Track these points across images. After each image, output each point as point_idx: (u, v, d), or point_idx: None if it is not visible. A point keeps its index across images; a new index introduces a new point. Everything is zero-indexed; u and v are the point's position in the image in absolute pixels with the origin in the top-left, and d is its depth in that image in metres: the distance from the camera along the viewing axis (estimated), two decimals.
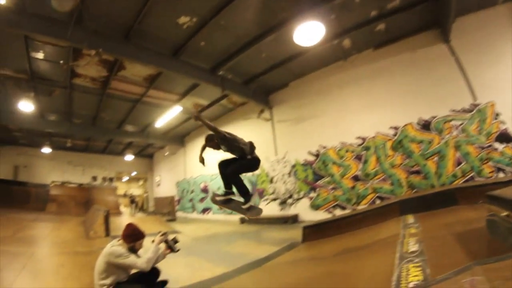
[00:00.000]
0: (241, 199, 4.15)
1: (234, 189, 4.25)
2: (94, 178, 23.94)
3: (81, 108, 14.52)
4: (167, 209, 21.17)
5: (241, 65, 10.52)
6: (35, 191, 20.17)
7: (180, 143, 20.69)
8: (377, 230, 4.64)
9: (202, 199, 17.60)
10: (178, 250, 3.91)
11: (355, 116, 9.93)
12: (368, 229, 4.91)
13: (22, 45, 8.67)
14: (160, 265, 5.07)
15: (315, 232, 5.69)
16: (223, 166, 4.34)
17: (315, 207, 10.66)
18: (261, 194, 13.00)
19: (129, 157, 22.89)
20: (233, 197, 4.32)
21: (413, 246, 3.27)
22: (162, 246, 3.79)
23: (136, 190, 34.31)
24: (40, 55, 9.34)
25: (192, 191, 18.83)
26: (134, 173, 29.88)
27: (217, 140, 4.31)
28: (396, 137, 8.93)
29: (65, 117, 15.68)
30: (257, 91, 12.35)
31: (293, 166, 11.55)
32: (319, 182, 10.58)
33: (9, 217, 12.69)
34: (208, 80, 10.63)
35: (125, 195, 24.02)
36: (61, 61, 9.52)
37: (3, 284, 3.95)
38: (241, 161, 4.24)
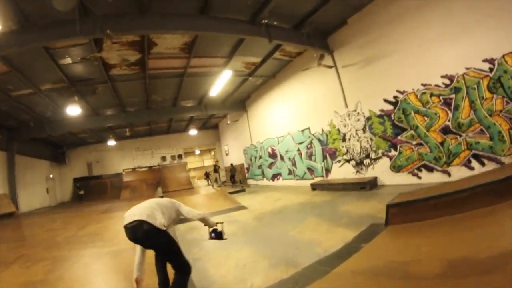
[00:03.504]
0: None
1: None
2: (163, 158, 25.61)
3: (129, 97, 14.99)
4: (238, 177, 21.32)
5: (284, 6, 8.95)
6: (110, 181, 23.69)
7: (242, 108, 20.21)
8: (496, 220, 3.27)
9: (270, 165, 17.09)
10: (225, 239, 3.79)
11: (438, 49, 7.67)
12: (479, 216, 3.49)
13: (47, 58, 9.09)
14: (206, 260, 4.78)
15: (403, 213, 4.45)
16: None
17: (396, 168, 9.08)
18: (333, 155, 11.76)
19: (193, 132, 23.27)
20: None
21: None
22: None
23: (210, 162, 35.47)
24: (67, 60, 9.66)
25: (260, 157, 18.47)
26: (202, 147, 30.69)
27: None
28: (493, 73, 6.60)
29: (118, 109, 16.54)
30: (312, 35, 10.63)
31: (368, 119, 9.93)
32: (400, 137, 8.84)
33: (83, 212, 14.32)
34: (251, 32, 9.38)
35: (214, 166, 24.78)
36: (88, 56, 9.61)
37: None
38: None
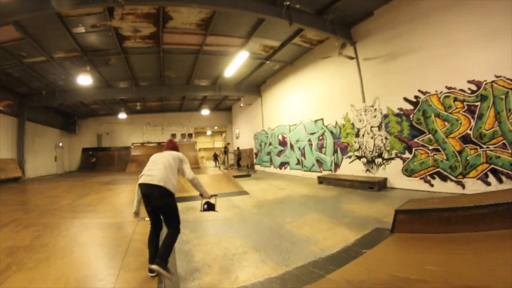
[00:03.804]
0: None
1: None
2: (173, 136, 25.58)
3: (143, 71, 14.86)
4: (245, 162, 21.14)
5: None
6: (118, 154, 24.08)
7: (256, 92, 19.82)
8: None
9: (279, 153, 16.78)
10: (217, 211, 4.08)
11: (467, 51, 7.11)
12: (499, 238, 3.10)
13: (60, 26, 9.07)
14: (195, 245, 4.65)
15: (412, 221, 4.11)
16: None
17: (408, 172, 8.64)
18: (344, 150, 11.37)
19: (205, 112, 23.04)
20: None
21: None
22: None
23: (221, 144, 35.48)
24: (81, 29, 9.59)
25: (270, 144, 18.18)
26: (215, 127, 30.58)
27: None
28: None
29: (131, 82, 16.45)
30: (335, 23, 10.15)
31: (385, 117, 9.45)
32: (417, 140, 8.37)
33: (86, 182, 14.48)
34: (271, 12, 8.96)
35: (225, 148, 24.76)
36: (99, 24, 9.40)
37: None
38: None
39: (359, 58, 10.57)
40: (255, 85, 19.46)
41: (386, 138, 9.41)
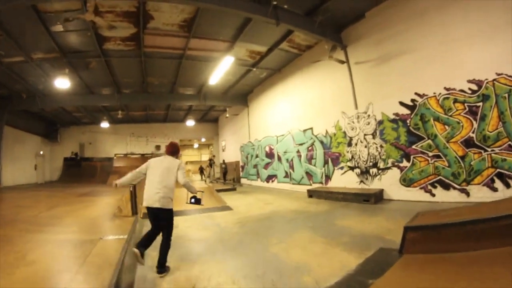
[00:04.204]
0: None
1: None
2: (158, 147, 24.95)
3: (125, 76, 14.26)
4: (231, 175, 20.32)
5: None
6: (100, 164, 23.14)
7: (243, 102, 19.14)
8: None
9: (266, 165, 15.97)
10: (202, 205, 4.51)
11: (466, 49, 6.65)
12: None
13: (37, 22, 8.58)
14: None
15: (425, 239, 3.30)
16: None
17: (407, 181, 7.94)
18: (336, 161, 10.62)
19: (190, 123, 22.37)
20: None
21: None
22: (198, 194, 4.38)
23: (207, 157, 34.71)
24: (59, 28, 9.11)
25: (256, 156, 17.39)
26: (202, 139, 29.89)
27: None
28: None
29: (113, 89, 15.83)
30: (325, 25, 9.58)
31: (379, 123, 8.79)
32: (415, 147, 7.73)
33: (62, 192, 13.61)
34: (256, 11, 8.34)
35: (210, 160, 23.96)
36: (71, 18, 8.61)
37: None
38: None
39: (350, 62, 9.99)
40: (242, 95, 18.77)
41: (381, 146, 8.73)
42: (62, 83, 12.16)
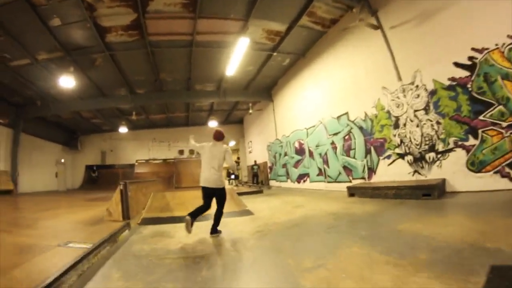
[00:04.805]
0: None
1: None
2: (181, 152, 24.49)
3: (134, 73, 13.70)
4: (260, 178, 18.80)
5: None
6: (122, 171, 23.01)
7: (267, 97, 17.67)
8: None
9: (297, 163, 14.26)
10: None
11: None
12: None
13: (36, 19, 8.45)
14: None
15: None
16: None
17: (476, 165, 6.02)
18: (381, 149, 8.75)
19: (213, 124, 21.10)
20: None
21: None
22: None
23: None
24: (56, 22, 8.81)
25: (285, 154, 15.71)
26: (231, 143, 28.81)
27: None
28: None
29: (126, 90, 15.24)
30: None
31: (432, 94, 6.90)
32: (483, 117, 5.84)
33: (73, 197, 14.09)
34: None
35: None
36: None
37: None
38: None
39: (385, 27, 8.23)
40: (265, 89, 17.31)
41: (438, 123, 6.83)
42: (67, 81, 11.57)
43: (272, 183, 17.62)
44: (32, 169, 17.64)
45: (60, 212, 8.22)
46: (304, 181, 13.50)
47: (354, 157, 9.95)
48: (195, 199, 5.65)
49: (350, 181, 10.00)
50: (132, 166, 23.57)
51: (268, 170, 18.43)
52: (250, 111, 18.93)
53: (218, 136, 5.00)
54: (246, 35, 10.05)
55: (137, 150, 24.60)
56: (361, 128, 9.52)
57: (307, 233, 4.63)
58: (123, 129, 21.22)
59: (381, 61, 8.37)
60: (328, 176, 11.56)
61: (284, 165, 15.79)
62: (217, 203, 4.84)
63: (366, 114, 9.25)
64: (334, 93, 11.08)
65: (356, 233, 4.10)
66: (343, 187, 9.31)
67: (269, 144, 18.13)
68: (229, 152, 4.95)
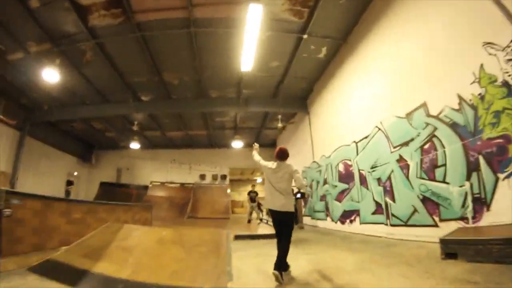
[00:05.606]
0: None
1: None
2: (202, 177, 22.30)
3: (133, 73, 11.89)
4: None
5: None
6: (136, 192, 21.38)
7: (301, 107, 14.09)
8: None
9: (341, 194, 10.04)
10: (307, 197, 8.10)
11: None
12: None
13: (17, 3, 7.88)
14: None
15: None
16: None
17: None
18: (499, 159, 4.36)
19: (237, 144, 18.25)
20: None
21: None
22: None
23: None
24: (35, 2, 8.02)
25: (324, 182, 11.53)
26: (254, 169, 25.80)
27: None
28: None
29: (129, 95, 13.61)
30: None
31: None
32: None
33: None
34: None
35: (250, 195, 19.09)
36: None
37: None
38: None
39: None
40: (299, 97, 13.76)
41: None
42: (51, 74, 10.45)
43: (307, 220, 13.35)
44: (39, 177, 17.31)
45: None
46: (352, 221, 9.11)
47: (443, 181, 5.54)
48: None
49: (436, 225, 5.56)
50: (147, 188, 21.64)
51: (302, 203, 14.16)
52: (279, 124, 14.93)
53: (282, 155, 4.41)
54: (259, 1, 6.92)
55: (154, 170, 22.81)
56: (454, 125, 5.27)
57: None
58: (134, 145, 19.58)
59: (473, 8, 4.69)
60: (393, 215, 7.07)
61: (323, 197, 11.54)
62: (284, 229, 4.14)
63: (461, 99, 5.05)
64: (396, 80, 7.05)
65: None
66: (421, 234, 5.37)
67: (305, 169, 14.06)
68: (297, 173, 4.29)
